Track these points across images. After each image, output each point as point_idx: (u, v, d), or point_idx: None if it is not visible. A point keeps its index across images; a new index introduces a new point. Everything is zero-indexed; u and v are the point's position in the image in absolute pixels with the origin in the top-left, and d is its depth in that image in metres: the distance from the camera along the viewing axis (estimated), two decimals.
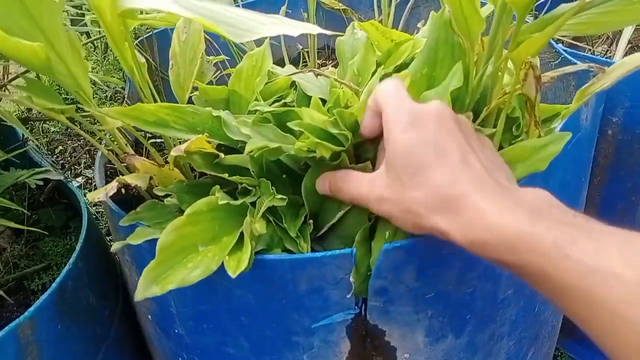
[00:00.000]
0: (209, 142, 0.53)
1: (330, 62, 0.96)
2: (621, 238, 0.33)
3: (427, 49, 0.56)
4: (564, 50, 0.77)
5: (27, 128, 1.21)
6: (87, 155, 1.25)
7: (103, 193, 0.47)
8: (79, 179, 1.20)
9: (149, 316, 0.61)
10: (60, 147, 1.34)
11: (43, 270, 0.67)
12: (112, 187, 0.48)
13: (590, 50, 0.96)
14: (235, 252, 0.47)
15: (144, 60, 0.60)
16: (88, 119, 0.60)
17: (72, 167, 1.27)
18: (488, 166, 0.41)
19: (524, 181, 0.51)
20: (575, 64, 0.60)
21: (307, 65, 0.90)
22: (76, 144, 1.19)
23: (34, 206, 0.76)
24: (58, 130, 1.33)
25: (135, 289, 0.60)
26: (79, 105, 0.56)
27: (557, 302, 0.35)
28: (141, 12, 0.58)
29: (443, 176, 0.39)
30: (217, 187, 0.50)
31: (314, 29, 0.48)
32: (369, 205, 0.44)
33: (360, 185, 0.45)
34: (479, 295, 0.54)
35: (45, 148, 1.30)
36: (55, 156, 1.30)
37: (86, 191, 1.16)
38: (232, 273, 0.44)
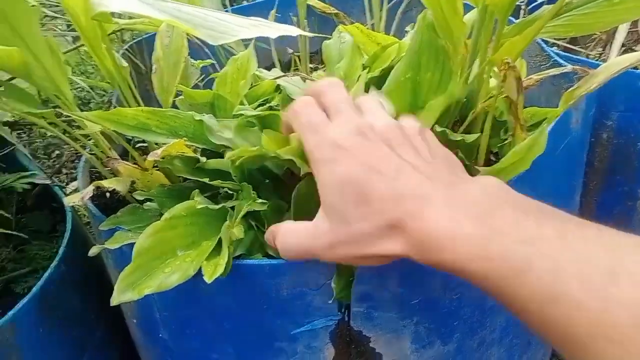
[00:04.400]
0: (189, 146, 0.53)
1: (322, 66, 0.96)
2: (578, 248, 0.30)
3: (410, 53, 0.55)
4: (557, 54, 0.77)
5: (23, 132, 1.22)
6: None
7: (79, 197, 0.47)
8: (75, 184, 1.19)
9: (134, 320, 0.60)
10: (57, 152, 1.34)
11: (29, 274, 0.67)
12: (88, 191, 0.47)
13: (584, 53, 0.96)
14: (213, 257, 0.46)
15: (126, 64, 0.59)
16: (73, 125, 0.60)
17: (69, 172, 1.27)
18: (429, 170, 0.38)
19: (511, 183, 0.50)
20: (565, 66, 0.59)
21: (298, 70, 0.90)
22: (72, 149, 1.18)
23: (23, 210, 0.76)
24: (54, 135, 1.33)
25: None
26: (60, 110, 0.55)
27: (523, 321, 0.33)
28: (120, 16, 0.58)
29: (382, 202, 0.36)
30: (197, 191, 0.50)
31: (293, 31, 0.47)
32: (321, 256, 0.40)
33: (300, 237, 0.41)
34: (466, 301, 0.53)
35: (42, 152, 1.30)
36: (51, 160, 1.29)
37: None
38: (208, 278, 0.43)
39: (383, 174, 0.37)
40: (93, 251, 0.48)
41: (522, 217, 0.33)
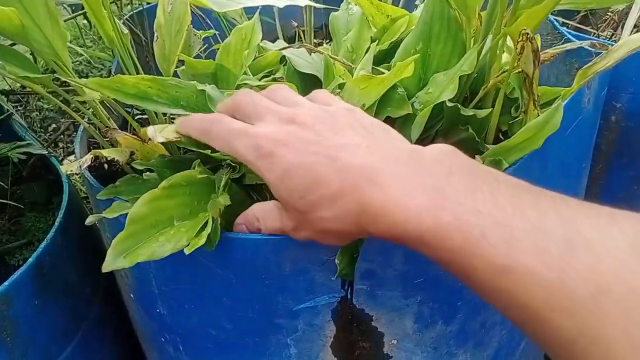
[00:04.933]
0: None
1: (327, 41, 0.94)
2: (533, 218, 0.29)
3: (421, 24, 0.53)
4: (569, 33, 0.75)
5: (20, 104, 1.20)
6: None
7: (77, 165, 0.45)
8: (72, 157, 1.18)
9: (131, 295, 0.59)
10: (54, 125, 1.32)
11: (24, 246, 0.66)
12: (87, 159, 0.46)
13: (595, 34, 0.94)
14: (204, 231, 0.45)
15: (127, 31, 0.57)
16: (72, 94, 0.58)
17: (66, 145, 1.26)
18: (370, 144, 0.37)
19: (521, 162, 0.49)
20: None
21: (302, 43, 0.88)
22: (69, 122, 1.17)
23: (19, 182, 0.74)
24: (51, 108, 1.31)
25: None
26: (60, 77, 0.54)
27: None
28: None
29: (330, 184, 0.35)
30: (198, 161, 0.48)
31: (300, 1, 0.46)
32: (292, 236, 0.41)
33: (274, 220, 0.42)
34: None
35: (39, 125, 1.28)
36: (48, 134, 1.28)
37: None
38: (187, 250, 0.42)
39: (324, 156, 0.36)
40: (90, 220, 0.47)
41: (475, 185, 0.32)
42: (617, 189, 0.88)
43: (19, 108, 1.19)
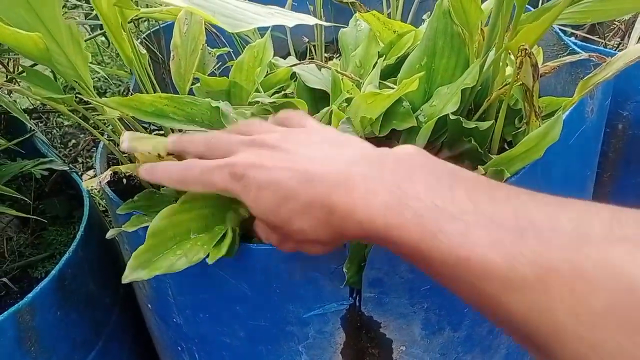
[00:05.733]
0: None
1: (337, 55, 0.96)
2: (488, 210, 0.31)
3: (425, 39, 0.55)
4: (574, 43, 0.76)
5: (41, 121, 1.23)
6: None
7: (97, 181, 0.48)
8: (90, 172, 1.21)
9: (149, 305, 0.61)
10: (74, 141, 1.35)
11: (47, 259, 0.68)
12: (106, 175, 0.48)
13: (603, 43, 0.95)
14: (224, 241, 0.47)
15: (144, 51, 0.60)
16: (92, 112, 0.61)
17: (85, 161, 1.29)
18: (329, 150, 0.39)
19: (524, 172, 0.50)
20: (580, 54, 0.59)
21: (313, 59, 0.90)
22: (89, 138, 1.20)
23: (41, 197, 0.77)
24: (71, 124, 1.35)
25: None
26: (80, 96, 0.56)
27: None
28: (138, 4, 0.59)
29: (297, 196, 0.37)
30: None
31: (309, 20, 0.48)
32: (279, 249, 0.43)
33: (263, 232, 0.43)
34: None
35: (59, 141, 1.31)
36: (68, 149, 1.31)
37: None
38: (210, 260, 0.44)
39: (292, 170, 0.37)
40: (111, 233, 0.49)
41: (435, 182, 0.34)
42: (625, 196, 0.89)
43: (40, 124, 1.22)
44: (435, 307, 0.53)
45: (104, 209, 0.99)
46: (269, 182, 0.37)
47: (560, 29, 0.79)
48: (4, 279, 0.64)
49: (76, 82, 0.54)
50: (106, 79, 1.41)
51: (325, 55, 0.85)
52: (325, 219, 0.36)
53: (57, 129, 1.31)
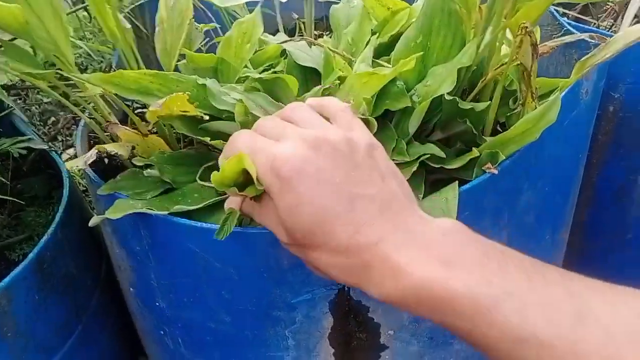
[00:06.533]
0: (191, 101, 0.51)
1: (328, 33, 0.94)
2: (542, 291, 0.31)
3: (422, 17, 0.53)
4: (568, 24, 0.75)
5: (19, 98, 1.19)
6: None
7: (82, 161, 0.45)
8: (70, 151, 1.18)
9: (131, 288, 0.60)
10: (53, 118, 1.32)
11: (25, 241, 0.66)
12: (91, 155, 0.46)
13: (595, 24, 0.93)
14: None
15: (129, 26, 0.57)
16: (72, 88, 0.58)
17: (65, 139, 1.25)
18: (383, 198, 0.36)
19: (516, 156, 0.49)
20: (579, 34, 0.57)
21: (303, 36, 0.87)
22: (69, 116, 1.17)
23: (19, 176, 0.74)
24: (51, 101, 1.31)
25: (117, 261, 0.59)
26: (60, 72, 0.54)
27: None
28: None
29: (336, 240, 0.35)
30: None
31: None
32: (282, 245, 0.41)
33: (270, 222, 0.40)
34: None
35: (38, 119, 1.28)
36: (47, 127, 1.27)
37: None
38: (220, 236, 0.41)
39: (338, 202, 0.35)
40: (93, 221, 0.47)
41: (484, 258, 0.33)
42: (614, 180, 0.88)
43: (19, 101, 1.18)
44: None
45: (84, 188, 0.96)
46: (310, 202, 0.35)
47: (554, 9, 0.77)
48: None
49: (56, 57, 0.51)
50: (88, 54, 1.37)
51: (315, 32, 0.82)
52: (358, 271, 0.35)
53: (36, 106, 1.28)
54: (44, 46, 0.51)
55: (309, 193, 0.35)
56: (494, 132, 0.58)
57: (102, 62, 1.40)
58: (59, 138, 1.24)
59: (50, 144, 0.72)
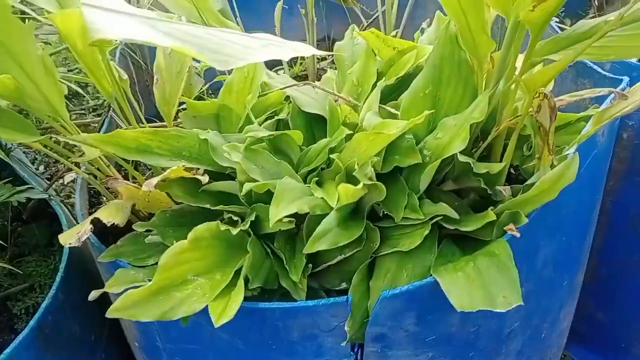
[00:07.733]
0: (188, 169, 0.49)
1: (331, 66, 0.91)
2: None
3: (431, 67, 0.51)
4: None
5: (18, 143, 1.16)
6: None
7: (75, 237, 0.43)
8: (73, 174, 1.16)
9: (136, 343, 0.58)
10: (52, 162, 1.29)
11: (27, 291, 0.64)
12: (86, 230, 0.44)
13: None
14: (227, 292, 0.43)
15: (125, 76, 0.55)
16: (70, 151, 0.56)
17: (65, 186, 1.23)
18: None
19: (534, 215, 0.47)
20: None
21: (306, 71, 0.85)
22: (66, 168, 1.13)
23: (20, 222, 0.73)
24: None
25: (122, 321, 0.57)
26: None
27: None
28: None
29: None
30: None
31: (304, 50, 0.43)
32: None
33: None
34: (483, 332, 0.51)
35: (40, 160, 1.25)
36: (48, 168, 1.25)
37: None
38: (216, 321, 0.40)
39: None
40: (93, 295, 0.45)
41: None
42: (629, 206, 0.86)
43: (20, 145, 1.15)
44: (441, 355, 0.50)
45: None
46: None
47: None
48: None
49: (52, 118, 0.49)
50: (83, 85, 1.33)
51: (318, 66, 0.80)
52: None
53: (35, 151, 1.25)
54: (37, 107, 0.49)
55: None
56: (509, 176, 0.56)
57: (99, 97, 1.35)
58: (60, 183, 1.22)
59: (51, 185, 0.70)
